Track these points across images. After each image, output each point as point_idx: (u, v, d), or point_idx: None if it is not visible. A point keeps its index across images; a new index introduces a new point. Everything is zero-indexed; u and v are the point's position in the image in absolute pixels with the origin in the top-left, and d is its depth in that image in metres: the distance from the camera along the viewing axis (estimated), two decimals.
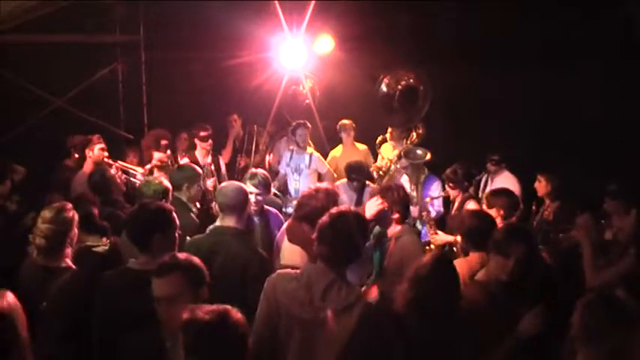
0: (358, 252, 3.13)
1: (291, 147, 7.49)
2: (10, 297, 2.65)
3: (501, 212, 4.79)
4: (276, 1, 7.48)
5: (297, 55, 7.87)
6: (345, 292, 2.99)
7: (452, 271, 3.10)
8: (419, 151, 6.38)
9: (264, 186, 4.85)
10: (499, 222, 4.49)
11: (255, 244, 4.23)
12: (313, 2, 7.47)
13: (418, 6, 7.70)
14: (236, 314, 2.38)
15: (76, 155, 6.54)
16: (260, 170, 5.00)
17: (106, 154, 6.31)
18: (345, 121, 7.97)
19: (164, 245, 3.38)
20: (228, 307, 2.41)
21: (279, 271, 3.30)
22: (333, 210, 3.22)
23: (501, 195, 5.02)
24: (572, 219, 5.81)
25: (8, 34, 7.22)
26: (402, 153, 6.56)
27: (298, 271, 3.16)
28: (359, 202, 6.08)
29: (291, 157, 7.37)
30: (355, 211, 3.26)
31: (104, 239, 4.32)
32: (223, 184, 4.43)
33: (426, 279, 2.96)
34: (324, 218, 3.13)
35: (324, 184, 4.30)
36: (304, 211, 3.89)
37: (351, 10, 7.85)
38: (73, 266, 3.88)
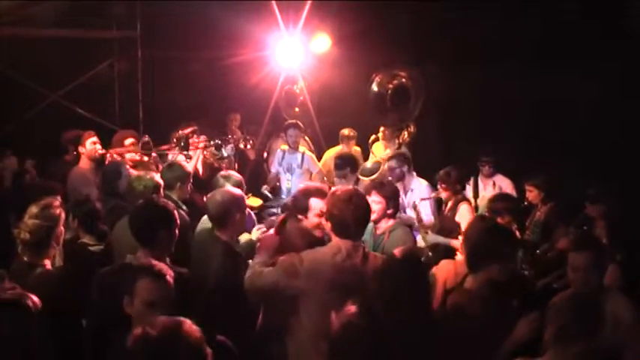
0: (366, 225, 3.55)
1: (282, 146, 7.43)
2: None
3: (506, 219, 4.76)
4: (273, 0, 7.49)
5: (293, 54, 7.86)
6: (373, 256, 3.42)
7: (419, 271, 3.12)
8: (368, 166, 6.25)
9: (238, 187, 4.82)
10: None
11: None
12: (310, 1, 7.48)
13: (415, 5, 7.70)
14: (190, 327, 2.20)
15: (74, 152, 6.49)
16: (232, 172, 5.01)
17: (99, 147, 6.17)
18: (345, 132, 7.94)
19: (167, 243, 3.42)
20: (181, 319, 2.23)
21: (312, 252, 3.43)
22: (338, 191, 3.49)
23: (504, 200, 5.00)
24: (563, 220, 5.86)
25: (5, 28, 7.24)
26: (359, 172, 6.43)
27: (325, 249, 3.43)
28: None
29: (283, 157, 7.32)
30: (358, 190, 3.66)
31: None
32: (216, 190, 4.36)
33: (393, 275, 2.99)
34: (334, 199, 3.42)
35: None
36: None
37: (347, 8, 7.86)
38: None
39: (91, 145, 6.12)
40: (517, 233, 4.96)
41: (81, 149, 6.19)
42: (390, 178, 5.87)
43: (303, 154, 7.28)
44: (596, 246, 3.61)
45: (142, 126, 7.92)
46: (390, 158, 6.17)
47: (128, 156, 6.22)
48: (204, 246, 3.99)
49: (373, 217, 4.43)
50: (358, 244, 3.40)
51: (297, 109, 8.07)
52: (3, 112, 7.40)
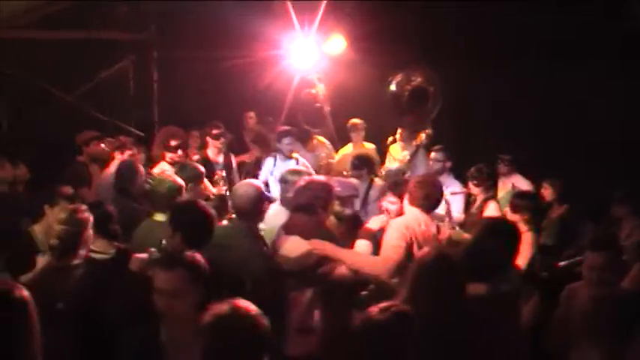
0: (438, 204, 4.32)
1: (273, 153, 7.03)
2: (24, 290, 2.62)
3: (525, 217, 4.73)
4: (288, 1, 7.47)
5: (308, 55, 7.84)
6: (442, 228, 4.30)
7: (452, 267, 3.13)
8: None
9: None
10: (522, 226, 4.49)
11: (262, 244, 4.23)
12: (325, 2, 7.45)
13: (430, 6, 7.64)
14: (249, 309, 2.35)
15: (101, 145, 6.43)
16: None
17: None
18: (356, 121, 7.89)
19: None
20: (242, 302, 2.37)
21: (404, 219, 4.11)
22: (419, 177, 4.39)
23: (527, 199, 4.97)
24: (578, 223, 5.81)
25: (20, 31, 7.24)
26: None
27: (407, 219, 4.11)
28: (366, 198, 5.97)
29: (274, 165, 6.85)
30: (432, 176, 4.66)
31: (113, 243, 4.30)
32: (237, 185, 4.50)
33: (425, 274, 3.05)
34: (413, 181, 4.24)
35: (318, 177, 4.59)
36: (298, 202, 4.14)
37: (362, 9, 7.84)
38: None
39: (128, 157, 6.16)
40: (531, 234, 4.89)
41: (117, 155, 6.20)
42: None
43: (297, 160, 6.83)
44: (614, 247, 3.61)
45: (157, 127, 7.91)
46: (436, 150, 6.36)
47: (169, 156, 6.13)
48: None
49: (390, 216, 4.53)
50: (430, 218, 4.13)
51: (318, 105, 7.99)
52: (17, 114, 7.41)
